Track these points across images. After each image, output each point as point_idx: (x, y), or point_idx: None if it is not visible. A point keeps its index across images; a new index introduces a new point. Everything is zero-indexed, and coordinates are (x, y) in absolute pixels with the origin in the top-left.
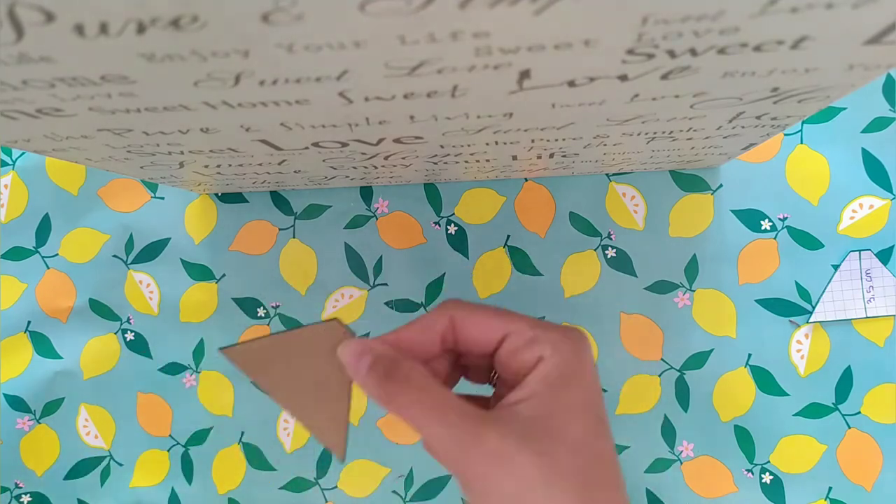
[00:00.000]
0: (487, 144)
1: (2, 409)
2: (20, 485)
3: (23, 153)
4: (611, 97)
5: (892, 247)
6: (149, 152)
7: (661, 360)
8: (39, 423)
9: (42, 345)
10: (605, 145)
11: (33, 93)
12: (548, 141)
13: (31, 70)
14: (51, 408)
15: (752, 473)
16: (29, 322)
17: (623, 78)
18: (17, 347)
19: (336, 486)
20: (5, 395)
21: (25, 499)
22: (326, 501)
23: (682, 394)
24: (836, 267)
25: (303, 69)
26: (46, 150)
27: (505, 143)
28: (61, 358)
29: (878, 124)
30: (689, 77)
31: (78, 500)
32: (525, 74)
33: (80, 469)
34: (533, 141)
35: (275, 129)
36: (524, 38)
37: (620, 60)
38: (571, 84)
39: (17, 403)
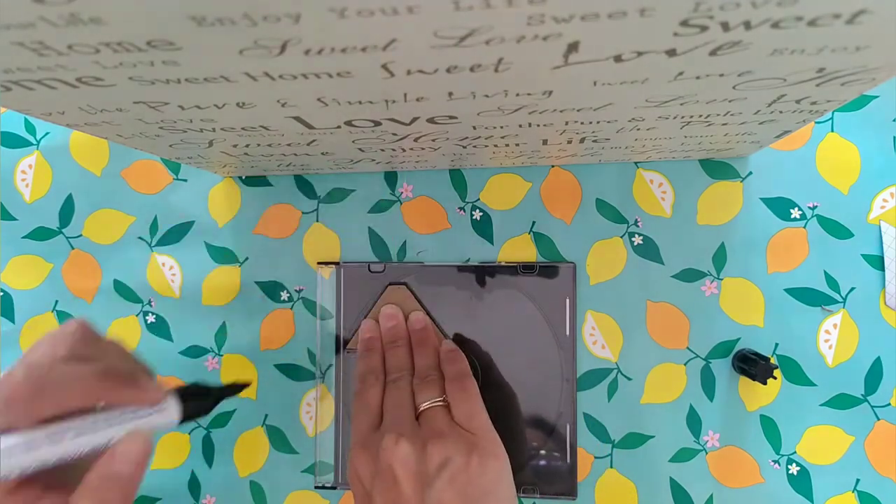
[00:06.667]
0: (521, 126)
1: None
2: None
3: (46, 133)
4: (655, 74)
5: None
6: (180, 129)
7: (687, 348)
8: None
9: None
10: (638, 129)
11: (77, 59)
12: (582, 123)
13: (79, 33)
14: None
15: (779, 464)
16: (56, 301)
17: (671, 53)
18: (45, 327)
19: None
20: None
21: None
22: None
23: (708, 383)
24: (865, 256)
25: (351, 37)
26: (79, 123)
27: (538, 126)
28: None
29: None
30: (737, 53)
31: None
32: (573, 47)
33: None
34: (567, 123)
35: (311, 104)
36: (580, 5)
37: (672, 33)
38: (618, 59)
39: None
